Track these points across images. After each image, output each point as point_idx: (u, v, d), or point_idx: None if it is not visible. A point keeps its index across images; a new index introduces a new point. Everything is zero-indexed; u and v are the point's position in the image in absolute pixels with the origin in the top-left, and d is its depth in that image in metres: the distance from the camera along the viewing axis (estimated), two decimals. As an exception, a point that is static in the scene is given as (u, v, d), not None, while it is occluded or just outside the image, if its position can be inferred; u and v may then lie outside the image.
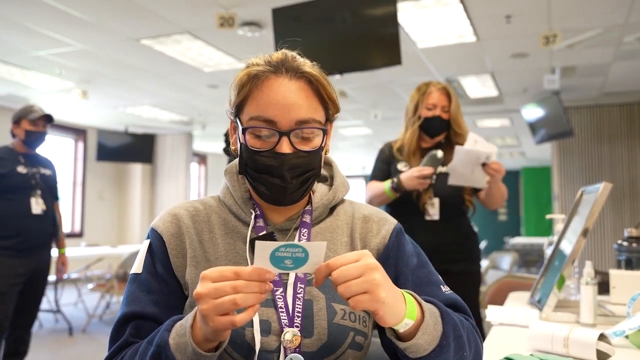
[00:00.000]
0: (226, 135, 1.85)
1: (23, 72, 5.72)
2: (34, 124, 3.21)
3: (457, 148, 2.21)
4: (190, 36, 4.55)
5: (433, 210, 2.34)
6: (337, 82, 5.34)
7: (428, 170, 2.22)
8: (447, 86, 2.42)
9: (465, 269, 2.37)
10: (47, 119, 3.25)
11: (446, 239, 2.34)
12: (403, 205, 2.35)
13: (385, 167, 2.49)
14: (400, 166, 2.40)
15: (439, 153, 2.24)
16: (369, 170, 15.37)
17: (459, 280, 2.22)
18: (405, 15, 4.03)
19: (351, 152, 11.81)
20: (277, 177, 0.92)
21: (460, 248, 2.38)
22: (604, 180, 1.89)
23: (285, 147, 0.91)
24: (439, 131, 2.39)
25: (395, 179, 2.31)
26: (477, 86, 6.29)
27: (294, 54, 0.97)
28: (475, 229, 2.54)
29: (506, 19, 4.15)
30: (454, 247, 2.36)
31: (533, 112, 6.60)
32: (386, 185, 2.34)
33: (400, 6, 3.61)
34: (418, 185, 2.25)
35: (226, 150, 1.71)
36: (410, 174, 2.25)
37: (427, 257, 1.05)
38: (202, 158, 11.96)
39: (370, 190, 2.46)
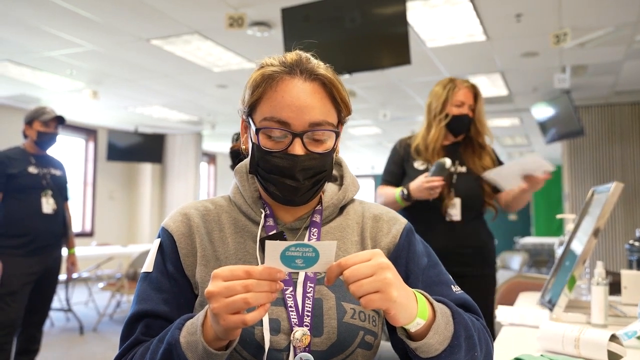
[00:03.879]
0: (232, 152, 1.83)
1: (34, 72, 5.77)
2: (46, 125, 3.24)
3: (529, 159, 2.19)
4: (200, 36, 4.57)
5: (454, 211, 2.27)
6: (346, 82, 5.33)
7: (437, 181, 2.16)
8: (473, 84, 2.39)
9: (483, 272, 2.33)
10: (59, 120, 3.27)
11: (466, 241, 2.29)
12: (422, 205, 2.29)
13: (398, 169, 2.43)
14: (417, 164, 2.35)
15: (447, 162, 2.18)
16: (378, 170, 15.45)
17: (475, 283, 2.21)
18: (414, 14, 4.02)
19: (360, 151, 11.78)
20: (288, 178, 0.92)
21: (479, 250, 2.33)
22: (615, 179, 1.87)
23: (298, 149, 0.91)
24: (465, 129, 2.36)
25: (405, 189, 2.26)
26: (487, 85, 6.25)
27: (308, 55, 0.97)
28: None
29: (516, 18, 4.12)
30: (473, 250, 2.31)
31: (543, 111, 6.54)
32: (397, 193, 2.30)
33: (409, 5, 3.60)
34: (428, 196, 2.20)
35: (233, 168, 1.71)
36: (419, 184, 2.20)
37: (437, 257, 1.05)
38: (211, 158, 12.00)
39: (381, 197, 2.41)
